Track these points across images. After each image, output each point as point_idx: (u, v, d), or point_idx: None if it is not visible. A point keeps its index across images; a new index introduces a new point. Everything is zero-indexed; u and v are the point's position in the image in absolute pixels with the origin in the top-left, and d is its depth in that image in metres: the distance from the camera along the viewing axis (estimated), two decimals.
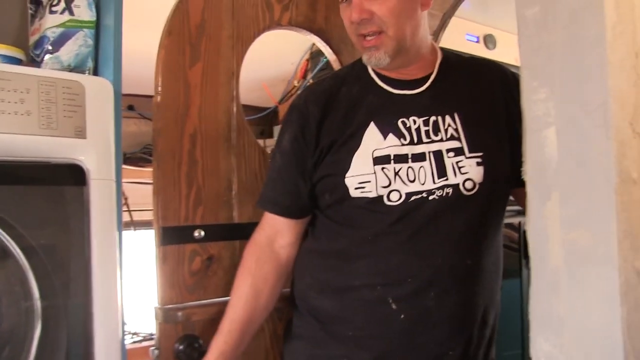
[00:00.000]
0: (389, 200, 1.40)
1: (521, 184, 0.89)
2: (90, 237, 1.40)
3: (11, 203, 1.31)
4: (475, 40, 2.93)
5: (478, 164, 1.42)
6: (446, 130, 1.45)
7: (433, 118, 1.46)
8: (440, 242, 1.41)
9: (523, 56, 0.93)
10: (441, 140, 1.44)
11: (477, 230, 1.46)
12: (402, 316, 1.40)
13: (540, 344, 0.88)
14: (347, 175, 1.42)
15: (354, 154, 1.43)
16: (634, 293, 0.80)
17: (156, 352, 1.58)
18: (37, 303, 1.30)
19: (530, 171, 0.92)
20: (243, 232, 1.73)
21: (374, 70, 1.53)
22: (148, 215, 1.74)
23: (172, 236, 1.65)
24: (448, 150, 1.43)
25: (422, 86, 1.50)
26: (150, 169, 1.70)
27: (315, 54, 2.65)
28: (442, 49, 1.60)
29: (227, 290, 1.70)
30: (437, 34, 2.40)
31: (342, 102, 1.50)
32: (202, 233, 1.69)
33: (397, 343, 1.41)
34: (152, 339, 2.21)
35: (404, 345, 1.41)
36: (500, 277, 1.55)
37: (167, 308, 1.61)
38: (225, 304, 1.65)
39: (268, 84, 2.75)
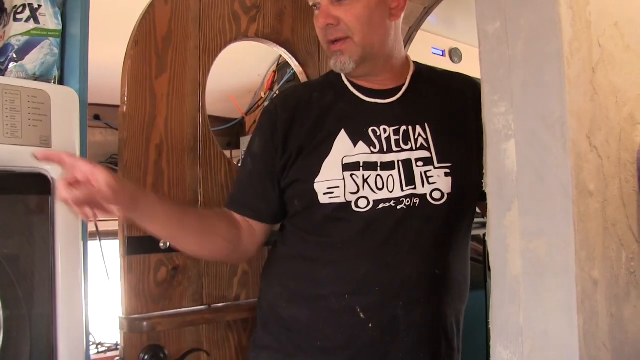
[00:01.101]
0: (357, 207, 1.41)
1: (485, 196, 0.91)
2: (54, 246, 1.38)
3: None
4: (441, 53, 2.97)
5: (446, 174, 1.44)
6: (416, 140, 1.46)
7: (404, 128, 1.47)
8: (409, 251, 1.41)
9: (484, 71, 0.95)
10: (411, 149, 1.45)
11: (445, 240, 1.47)
12: (370, 325, 1.40)
13: (500, 352, 0.90)
14: (316, 180, 1.43)
15: (324, 160, 1.44)
16: (590, 302, 0.83)
17: None
18: None
19: (490, 183, 0.94)
20: None
21: (347, 78, 1.55)
22: (113, 225, 1.72)
23: (138, 246, 1.64)
24: (417, 160, 1.44)
25: (394, 96, 1.52)
26: None
27: (282, 66, 2.65)
28: (414, 62, 1.62)
29: (192, 300, 1.70)
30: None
31: (313, 107, 1.51)
32: (168, 243, 1.68)
33: (365, 353, 1.41)
34: (117, 349, 2.19)
35: (372, 355, 1.41)
36: (469, 287, 1.57)
37: (132, 318, 1.60)
38: (191, 314, 1.65)
39: (235, 95, 2.74)
